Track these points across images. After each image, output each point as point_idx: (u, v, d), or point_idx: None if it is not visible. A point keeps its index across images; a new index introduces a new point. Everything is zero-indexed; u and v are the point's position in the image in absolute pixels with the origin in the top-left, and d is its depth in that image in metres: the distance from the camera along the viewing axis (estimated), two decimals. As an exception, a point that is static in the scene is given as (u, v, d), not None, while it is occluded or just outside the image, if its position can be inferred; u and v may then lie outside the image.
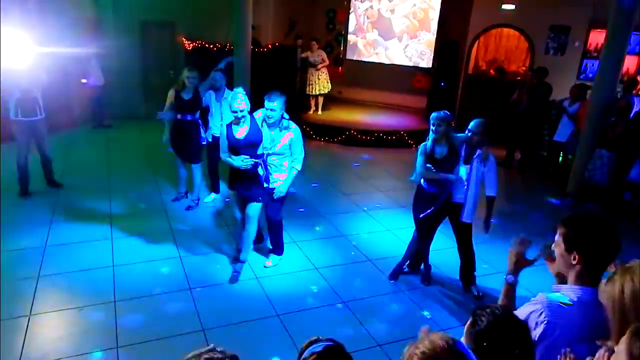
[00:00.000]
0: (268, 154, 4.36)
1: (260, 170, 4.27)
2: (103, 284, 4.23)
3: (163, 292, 4.17)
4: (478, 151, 4.16)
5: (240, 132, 4.17)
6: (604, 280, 1.61)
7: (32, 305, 3.86)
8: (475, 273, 4.55)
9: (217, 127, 5.45)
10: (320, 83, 10.07)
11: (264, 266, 4.73)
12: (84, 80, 9.09)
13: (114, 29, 9.32)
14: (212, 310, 3.97)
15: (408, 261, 4.69)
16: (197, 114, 5.71)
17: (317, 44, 10.17)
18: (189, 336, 3.62)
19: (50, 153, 6.11)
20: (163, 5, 9.41)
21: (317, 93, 10.11)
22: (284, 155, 4.42)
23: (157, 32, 9.87)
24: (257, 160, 4.20)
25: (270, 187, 4.40)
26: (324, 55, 10.11)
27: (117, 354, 3.40)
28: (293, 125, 4.40)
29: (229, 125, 4.22)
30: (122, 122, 9.49)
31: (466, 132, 4.17)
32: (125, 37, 9.30)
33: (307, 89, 10.06)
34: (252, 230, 4.44)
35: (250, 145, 4.17)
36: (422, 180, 4.36)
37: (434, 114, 4.19)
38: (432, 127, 4.15)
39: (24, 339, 3.47)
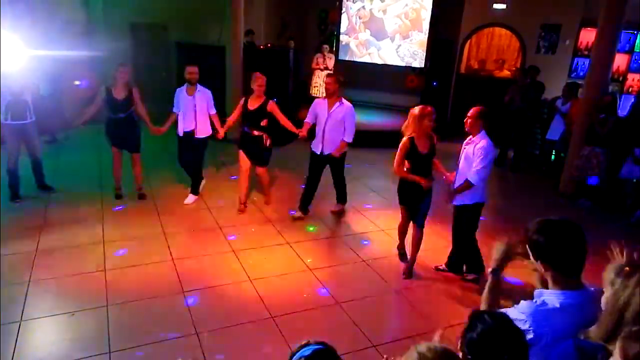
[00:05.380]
0: (325, 124, 5.49)
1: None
2: (95, 288, 4.19)
3: (155, 296, 4.14)
4: (478, 136, 4.22)
5: (252, 104, 5.57)
6: (612, 268, 1.58)
7: (23, 310, 3.82)
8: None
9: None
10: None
11: (330, 211, 6.08)
12: (77, 82, 9.02)
13: (105, 31, 9.26)
14: (206, 313, 3.95)
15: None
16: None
17: (329, 47, 10.17)
18: (182, 340, 3.58)
19: (41, 156, 6.05)
20: (154, 7, 9.37)
21: (321, 96, 10.01)
22: (337, 129, 5.50)
23: (149, 34, 9.82)
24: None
25: (325, 152, 5.61)
26: (333, 59, 10.10)
27: (109, 359, 3.37)
28: (346, 105, 5.51)
29: (246, 98, 5.66)
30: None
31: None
32: (116, 39, 9.24)
33: (312, 91, 10.01)
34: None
35: (257, 115, 5.57)
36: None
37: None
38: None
39: (15, 345, 3.43)
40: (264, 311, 4.01)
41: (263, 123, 5.61)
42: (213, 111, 6.00)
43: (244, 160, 5.84)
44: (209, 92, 5.97)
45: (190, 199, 6.19)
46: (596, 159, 6.62)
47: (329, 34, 12.01)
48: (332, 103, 5.49)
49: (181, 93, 5.91)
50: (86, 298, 4.03)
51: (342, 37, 11.63)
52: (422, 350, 1.31)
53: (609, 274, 1.59)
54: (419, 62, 10.94)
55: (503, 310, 1.88)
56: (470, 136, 4.30)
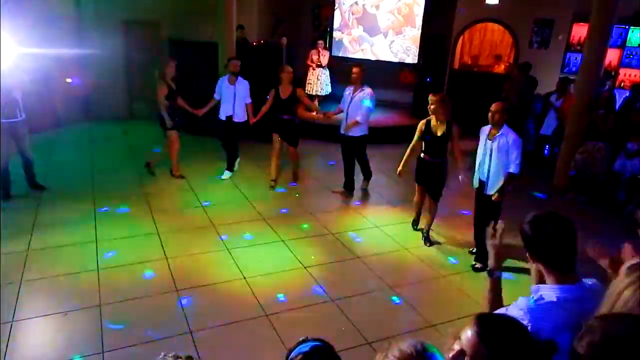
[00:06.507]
0: (349, 107, 6.20)
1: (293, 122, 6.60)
2: (88, 287, 4.16)
3: (149, 295, 4.11)
4: (503, 128, 4.50)
5: (283, 92, 6.40)
6: (627, 264, 1.57)
7: (14, 311, 3.78)
8: None
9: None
10: (319, 84, 9.88)
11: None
12: (68, 80, 8.94)
13: (97, 29, 9.16)
14: (199, 311, 3.93)
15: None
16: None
17: (324, 43, 10.08)
18: (176, 339, 3.57)
19: (31, 155, 5.99)
20: (146, 4, 9.28)
21: (314, 93, 9.96)
22: (358, 111, 6.14)
23: (141, 31, 9.72)
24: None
25: (347, 134, 6.31)
26: (327, 56, 9.99)
27: (102, 359, 3.35)
28: (368, 90, 6.16)
29: (276, 89, 6.43)
30: (106, 122, 9.35)
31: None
32: (108, 36, 9.15)
33: (307, 88, 9.93)
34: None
35: (289, 102, 6.46)
36: (422, 155, 5.15)
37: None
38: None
39: (7, 346, 3.40)
40: (258, 309, 4.00)
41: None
42: (249, 100, 6.76)
43: (276, 142, 6.66)
44: (247, 83, 6.74)
45: (226, 174, 6.98)
46: (599, 154, 6.65)
47: (322, 30, 11.96)
48: (356, 89, 6.21)
49: (223, 82, 6.70)
50: (79, 298, 4.00)
51: (335, 34, 11.58)
52: (403, 347, 1.30)
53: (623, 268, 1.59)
54: (412, 58, 10.92)
55: (502, 309, 1.88)
56: (491, 129, 4.57)
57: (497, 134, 4.50)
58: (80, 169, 7.03)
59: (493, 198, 4.55)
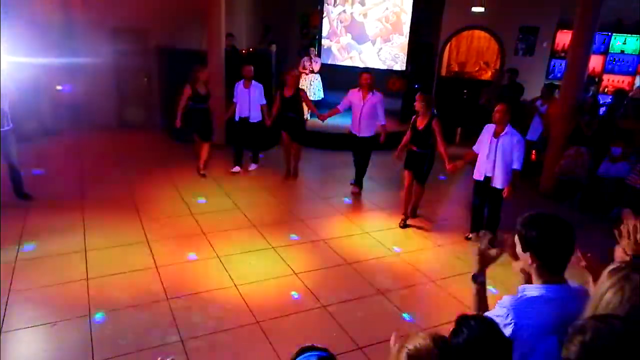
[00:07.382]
0: (361, 111, 6.57)
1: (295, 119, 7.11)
2: (77, 297, 4.12)
3: (139, 304, 4.09)
4: (507, 127, 4.99)
5: (287, 93, 6.97)
6: (610, 267, 1.60)
7: (2, 321, 3.74)
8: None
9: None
10: (312, 89, 9.95)
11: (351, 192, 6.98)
12: (58, 87, 8.88)
13: (86, 36, 9.13)
14: (191, 320, 3.91)
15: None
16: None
17: (315, 51, 10.17)
18: (167, 347, 3.55)
19: (19, 164, 5.93)
20: (135, 13, 9.26)
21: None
22: (371, 115, 6.60)
23: (130, 39, 9.70)
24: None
25: (360, 135, 6.69)
26: (319, 63, 10.08)
27: (92, 369, 3.32)
28: (378, 93, 6.67)
29: (281, 91, 7.02)
30: (95, 130, 9.29)
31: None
32: (97, 44, 9.12)
33: None
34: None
35: (293, 101, 7.00)
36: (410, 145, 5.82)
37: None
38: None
39: (-5, 358, 3.37)
40: (249, 316, 4.00)
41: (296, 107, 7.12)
42: (263, 102, 7.30)
43: (287, 138, 7.25)
44: (261, 86, 7.28)
45: (252, 167, 7.72)
46: (581, 158, 6.77)
47: (311, 37, 12.04)
48: (366, 94, 6.58)
49: (239, 86, 7.25)
50: (68, 308, 3.97)
51: (324, 41, 11.67)
52: (418, 340, 1.32)
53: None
54: (400, 65, 11.04)
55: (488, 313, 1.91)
56: (496, 128, 5.04)
57: (502, 133, 5.01)
58: (69, 177, 6.97)
59: (504, 195, 5.05)
